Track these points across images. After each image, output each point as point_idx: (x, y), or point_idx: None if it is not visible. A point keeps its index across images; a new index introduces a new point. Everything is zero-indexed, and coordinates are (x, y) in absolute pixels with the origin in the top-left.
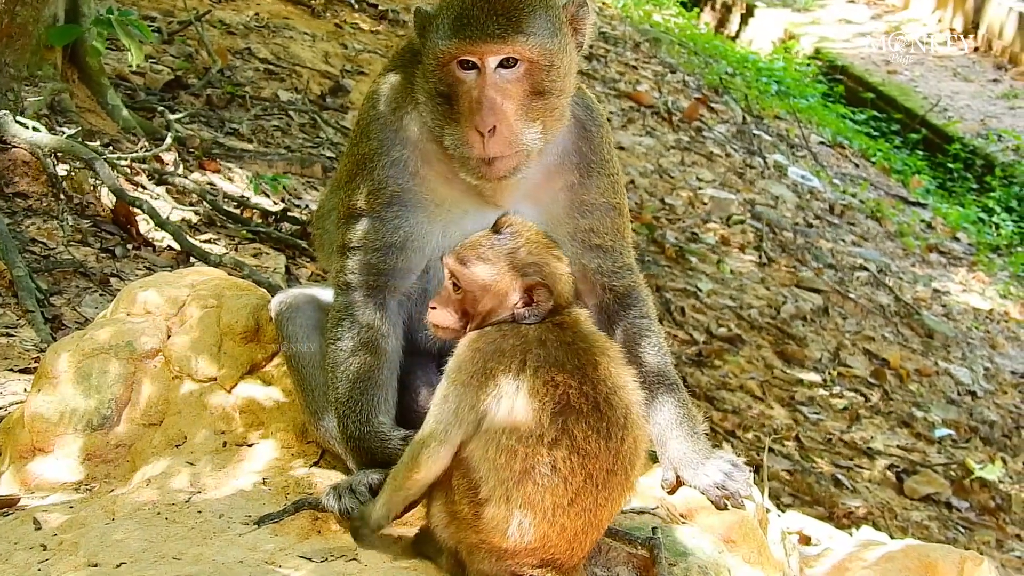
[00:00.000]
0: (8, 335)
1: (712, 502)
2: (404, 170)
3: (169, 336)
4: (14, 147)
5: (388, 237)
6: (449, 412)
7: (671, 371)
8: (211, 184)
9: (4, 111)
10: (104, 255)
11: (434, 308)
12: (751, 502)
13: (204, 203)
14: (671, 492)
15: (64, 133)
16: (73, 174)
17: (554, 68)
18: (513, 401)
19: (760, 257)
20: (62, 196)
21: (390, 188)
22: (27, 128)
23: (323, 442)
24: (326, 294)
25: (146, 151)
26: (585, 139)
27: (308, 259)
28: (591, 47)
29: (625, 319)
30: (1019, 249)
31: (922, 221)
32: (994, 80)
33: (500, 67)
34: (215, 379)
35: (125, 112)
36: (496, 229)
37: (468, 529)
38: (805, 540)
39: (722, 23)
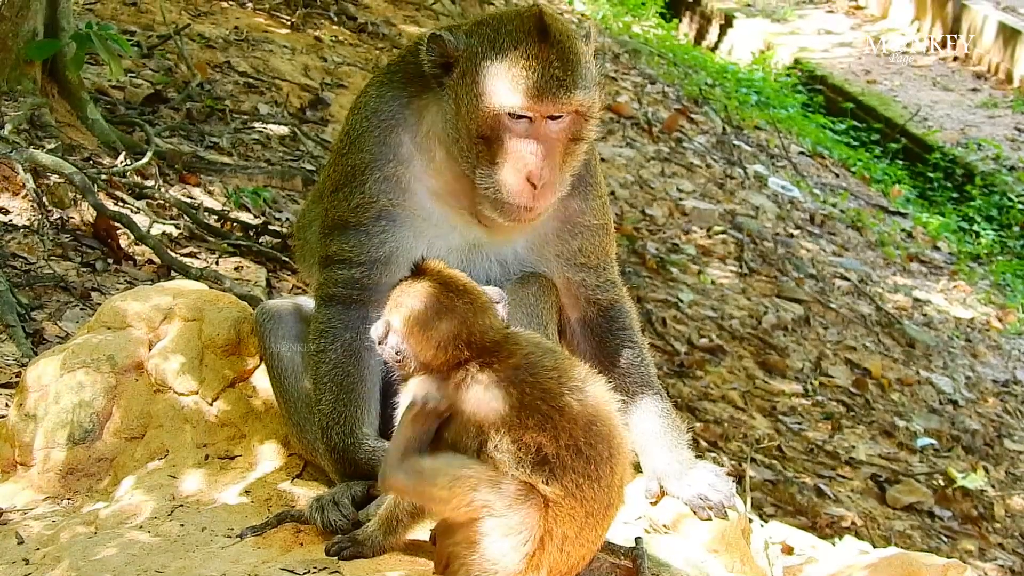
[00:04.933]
0: None
1: (695, 512)
2: (396, 186)
3: (151, 349)
4: None
5: (374, 252)
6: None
7: (654, 381)
8: (191, 198)
9: None
10: (85, 269)
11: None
12: (734, 512)
13: (184, 217)
14: (655, 503)
15: (44, 148)
16: (54, 189)
17: (592, 117)
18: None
19: (741, 267)
20: (43, 211)
21: (380, 203)
22: (7, 143)
23: (305, 453)
24: (309, 304)
25: (126, 165)
26: (584, 164)
27: (289, 272)
28: None
29: (608, 331)
30: (999, 258)
31: (902, 230)
32: (973, 89)
33: (550, 118)
34: (197, 392)
35: (105, 126)
36: (402, 284)
37: (460, 566)
38: (788, 550)
39: (701, 34)
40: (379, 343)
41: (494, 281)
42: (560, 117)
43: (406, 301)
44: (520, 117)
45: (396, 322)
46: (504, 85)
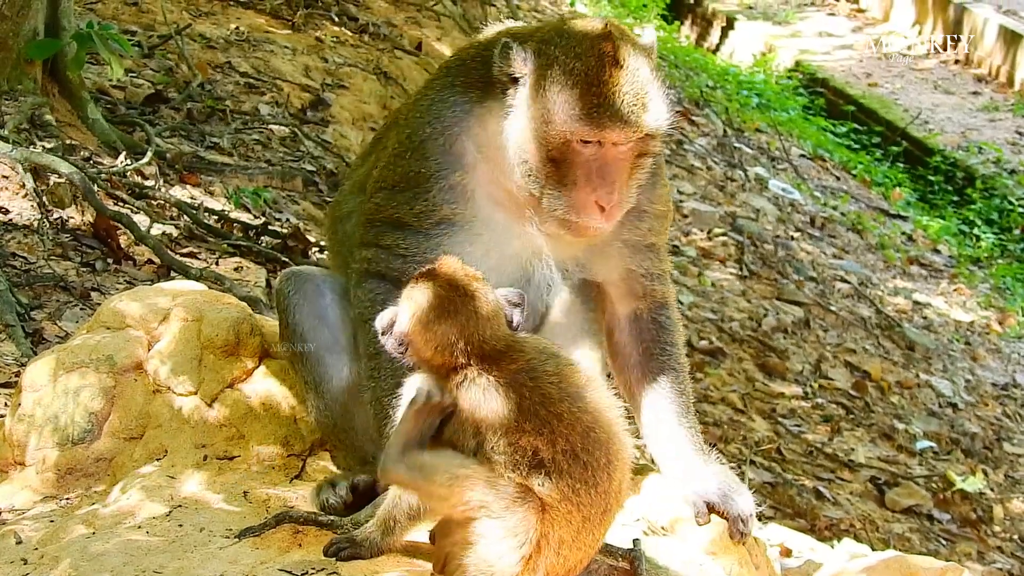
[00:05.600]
0: None
1: (731, 535)
2: (459, 194)
3: (150, 350)
4: None
5: (430, 252)
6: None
7: (689, 404)
8: (192, 198)
9: None
10: (85, 269)
11: (384, 333)
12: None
13: (184, 217)
14: (704, 523)
15: (44, 147)
16: (54, 188)
17: (660, 135)
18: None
19: (741, 270)
20: (43, 210)
21: (443, 211)
22: (7, 142)
23: (318, 423)
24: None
25: (126, 165)
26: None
27: None
28: None
29: (654, 342)
30: (1000, 261)
31: (903, 233)
32: (974, 92)
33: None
34: (196, 392)
35: (105, 126)
36: (411, 284)
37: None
38: (786, 552)
39: (703, 36)
40: (383, 333)
41: (552, 287)
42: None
43: (415, 296)
44: (589, 142)
45: (402, 316)
46: (575, 112)
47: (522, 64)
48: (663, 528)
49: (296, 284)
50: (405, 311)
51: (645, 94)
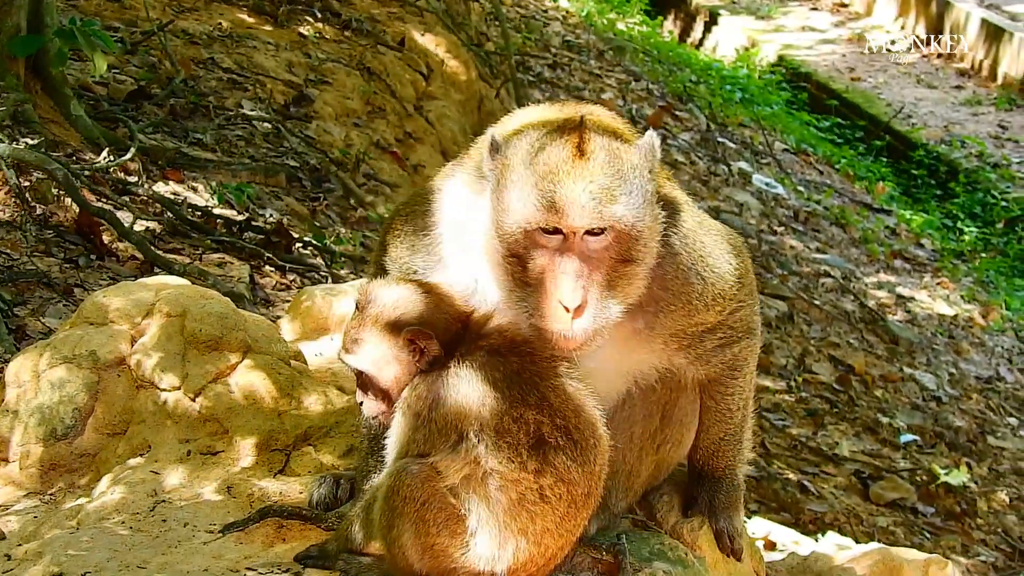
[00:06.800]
0: None
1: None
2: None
3: (133, 345)
4: None
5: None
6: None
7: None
8: (175, 194)
9: None
10: (68, 266)
11: (360, 403)
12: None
13: (168, 213)
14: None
15: (27, 144)
16: (37, 185)
17: (643, 236)
18: (488, 441)
19: None
20: (25, 207)
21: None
22: None
23: None
24: None
25: (109, 161)
26: (658, 277)
27: (272, 268)
28: (554, 56)
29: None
30: (983, 255)
31: (886, 227)
32: (957, 87)
33: (587, 234)
34: (179, 388)
35: (88, 122)
36: (358, 307)
37: (445, 559)
38: (771, 545)
39: (686, 31)
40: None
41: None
42: (599, 234)
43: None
44: (552, 233)
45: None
46: (531, 198)
47: (493, 158)
48: (648, 522)
49: None
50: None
51: (614, 186)
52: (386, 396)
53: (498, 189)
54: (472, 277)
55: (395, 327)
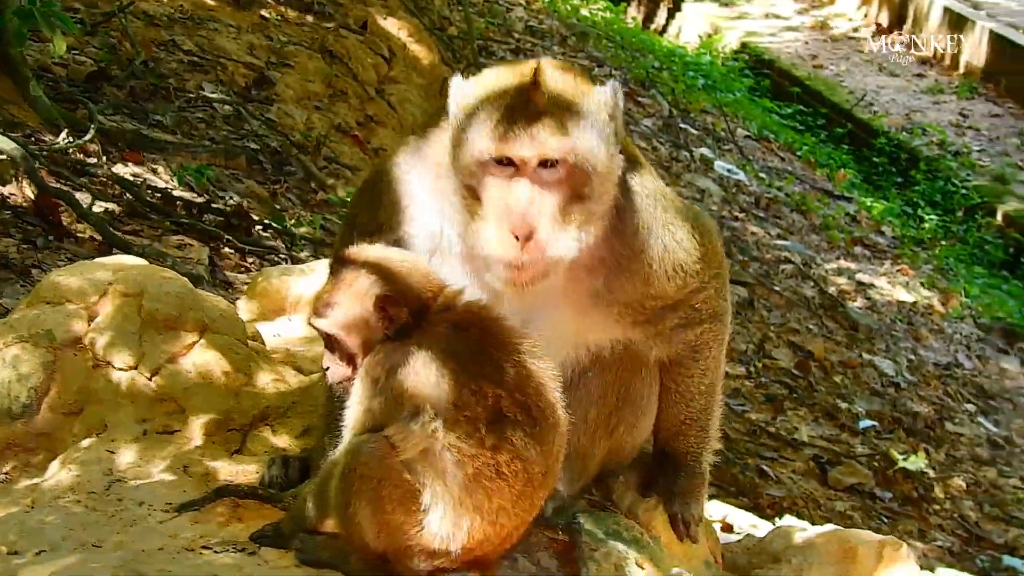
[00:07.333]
0: None
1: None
2: (439, 243)
3: (90, 324)
4: None
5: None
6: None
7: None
8: (134, 176)
9: None
10: (25, 246)
11: (327, 368)
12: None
13: (127, 195)
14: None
15: None
16: None
17: (597, 173)
18: (445, 414)
19: None
20: None
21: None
22: None
23: None
24: None
25: (68, 143)
26: (618, 233)
27: (232, 250)
28: (517, 41)
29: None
30: (943, 242)
31: (847, 214)
32: (919, 75)
33: (540, 166)
34: (136, 367)
35: (47, 103)
36: (331, 271)
37: (401, 536)
38: (727, 527)
39: (649, 17)
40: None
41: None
42: (552, 167)
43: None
44: (506, 164)
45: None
46: (484, 129)
47: (455, 95)
48: (603, 503)
49: None
50: (333, 292)
51: (567, 119)
52: (352, 362)
53: (457, 125)
54: (437, 227)
55: (366, 292)
